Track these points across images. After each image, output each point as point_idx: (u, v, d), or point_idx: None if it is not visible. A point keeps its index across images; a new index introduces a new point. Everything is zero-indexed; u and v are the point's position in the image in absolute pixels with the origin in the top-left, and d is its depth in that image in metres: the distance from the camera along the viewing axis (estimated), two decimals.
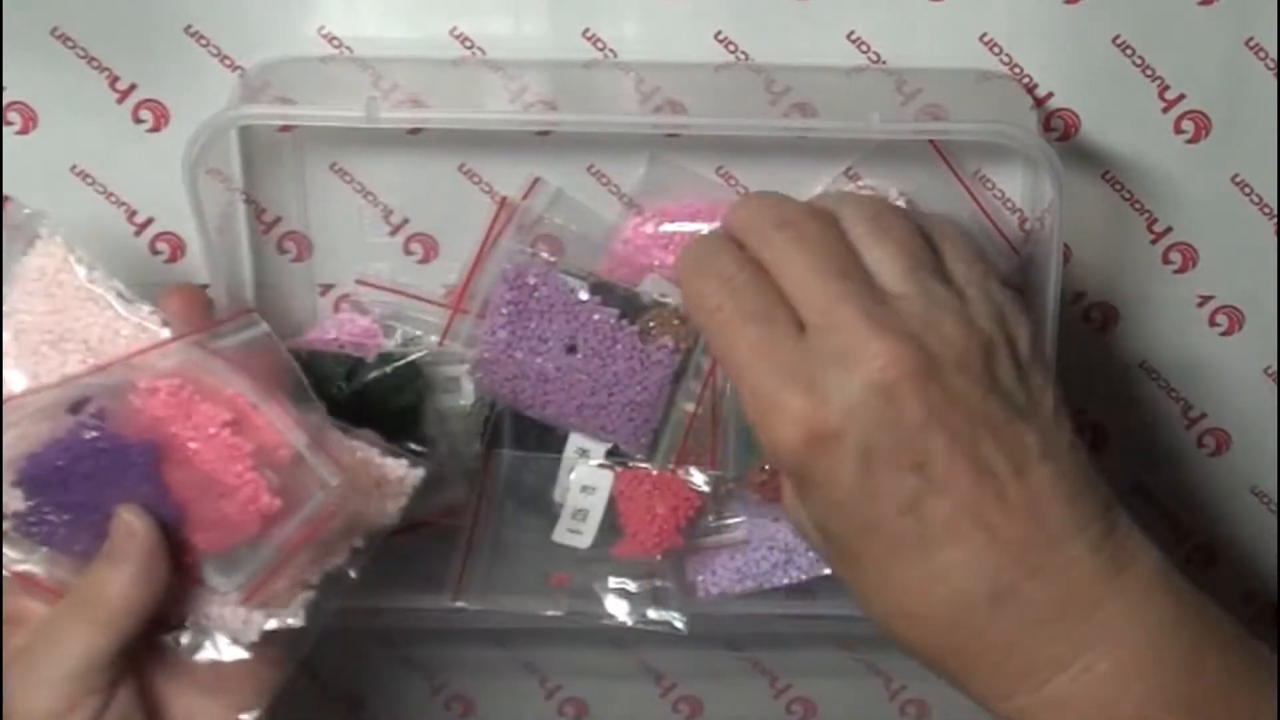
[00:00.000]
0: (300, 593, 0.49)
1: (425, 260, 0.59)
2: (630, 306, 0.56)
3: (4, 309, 0.48)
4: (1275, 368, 0.61)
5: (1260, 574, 0.65)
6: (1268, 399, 0.62)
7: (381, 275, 0.58)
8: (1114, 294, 0.60)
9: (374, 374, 0.55)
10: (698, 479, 0.58)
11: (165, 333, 0.48)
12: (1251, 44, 0.56)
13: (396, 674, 0.67)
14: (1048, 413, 0.44)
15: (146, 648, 0.48)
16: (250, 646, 0.49)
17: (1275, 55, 0.56)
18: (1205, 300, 0.60)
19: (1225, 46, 0.56)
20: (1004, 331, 0.44)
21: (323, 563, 0.49)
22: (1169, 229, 0.59)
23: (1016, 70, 0.56)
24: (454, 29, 0.55)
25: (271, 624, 0.49)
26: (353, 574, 0.49)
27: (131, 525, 0.46)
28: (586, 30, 0.55)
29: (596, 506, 0.58)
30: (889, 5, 0.55)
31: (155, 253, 0.58)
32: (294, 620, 0.49)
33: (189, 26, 0.55)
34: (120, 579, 0.45)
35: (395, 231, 0.58)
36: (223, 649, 0.49)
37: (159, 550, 0.46)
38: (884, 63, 0.56)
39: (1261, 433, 0.62)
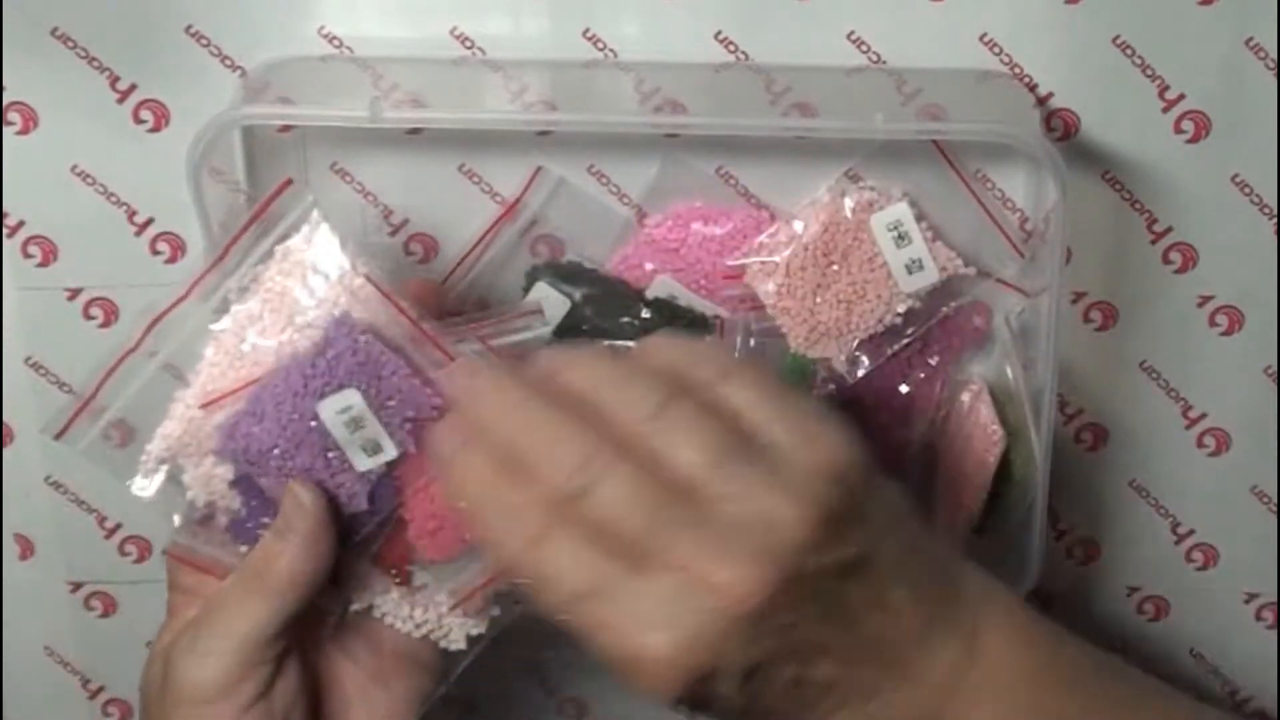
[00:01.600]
0: (489, 605, 0.51)
1: (425, 260, 0.59)
2: (619, 308, 0.56)
3: (262, 284, 0.48)
4: (1275, 368, 0.61)
5: (1260, 574, 0.65)
6: (1268, 399, 0.62)
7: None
8: (1114, 294, 0.60)
9: None
10: None
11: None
12: (1251, 44, 0.56)
13: None
14: (885, 511, 0.42)
15: (318, 628, 0.50)
16: (457, 652, 0.51)
17: (1275, 55, 0.56)
18: (1205, 300, 0.60)
19: (1225, 46, 0.56)
20: (820, 455, 0.41)
21: None
22: (1169, 229, 0.59)
23: (1016, 70, 0.56)
24: (454, 29, 0.55)
25: (471, 630, 0.51)
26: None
27: (300, 497, 0.47)
28: (586, 30, 0.55)
29: None
30: (889, 5, 0.55)
31: (156, 253, 0.58)
32: (479, 630, 0.51)
33: (189, 26, 0.55)
34: (288, 551, 0.46)
35: (395, 231, 0.58)
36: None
37: (326, 522, 0.47)
38: (884, 63, 0.56)
39: (1261, 433, 0.62)
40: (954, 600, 0.43)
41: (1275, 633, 0.66)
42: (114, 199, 0.57)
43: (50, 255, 0.58)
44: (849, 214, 0.56)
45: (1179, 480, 0.63)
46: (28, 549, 0.64)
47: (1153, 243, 0.59)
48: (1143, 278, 0.60)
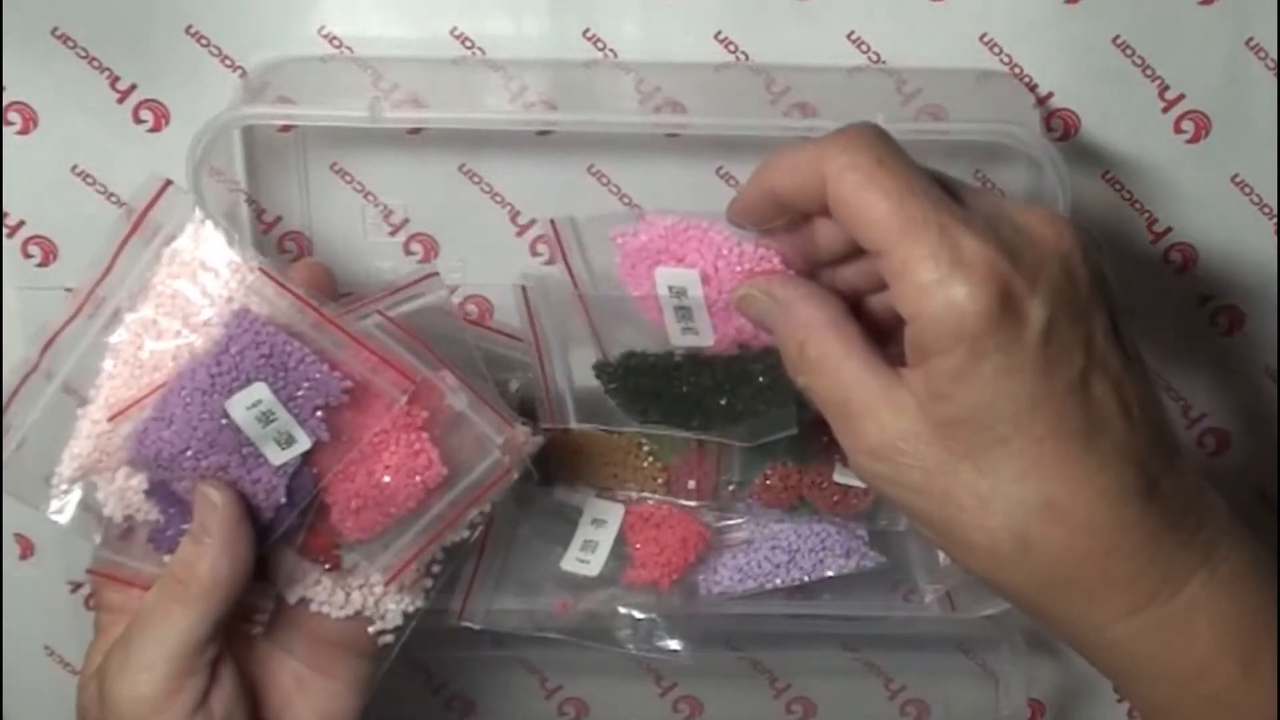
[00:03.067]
0: (422, 578, 0.51)
1: (425, 260, 0.59)
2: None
3: (153, 289, 0.48)
4: (1275, 368, 0.61)
5: None
6: (1268, 399, 0.62)
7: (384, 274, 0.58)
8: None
9: None
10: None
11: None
12: (1251, 44, 0.56)
13: (397, 674, 0.67)
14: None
15: (249, 627, 0.49)
16: (395, 631, 0.51)
17: (1275, 55, 0.56)
18: (1205, 300, 0.60)
19: (1225, 46, 0.56)
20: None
21: (444, 538, 0.49)
22: (1169, 229, 0.59)
23: (1016, 70, 0.56)
24: (454, 29, 0.55)
25: (407, 607, 0.51)
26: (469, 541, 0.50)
27: (211, 498, 0.46)
28: (586, 30, 0.55)
29: (605, 539, 0.58)
30: (889, 5, 0.55)
31: None
32: (415, 605, 0.51)
33: (189, 26, 0.55)
34: (207, 555, 0.46)
35: (395, 231, 0.58)
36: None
37: (240, 520, 0.46)
38: (884, 63, 0.56)
39: (1261, 433, 0.62)
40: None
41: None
42: (114, 199, 0.57)
43: (50, 255, 0.58)
44: None
45: None
46: (28, 549, 0.64)
47: (1153, 243, 0.59)
48: (1143, 278, 0.60)
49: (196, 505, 0.47)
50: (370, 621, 0.51)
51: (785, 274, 0.46)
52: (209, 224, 0.48)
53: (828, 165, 0.41)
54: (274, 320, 0.47)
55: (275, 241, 0.58)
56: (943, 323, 0.39)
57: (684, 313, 0.48)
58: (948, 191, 0.41)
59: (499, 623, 0.58)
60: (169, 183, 0.48)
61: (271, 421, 0.47)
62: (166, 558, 0.48)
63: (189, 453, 0.47)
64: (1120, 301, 0.42)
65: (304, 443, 0.47)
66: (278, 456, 0.47)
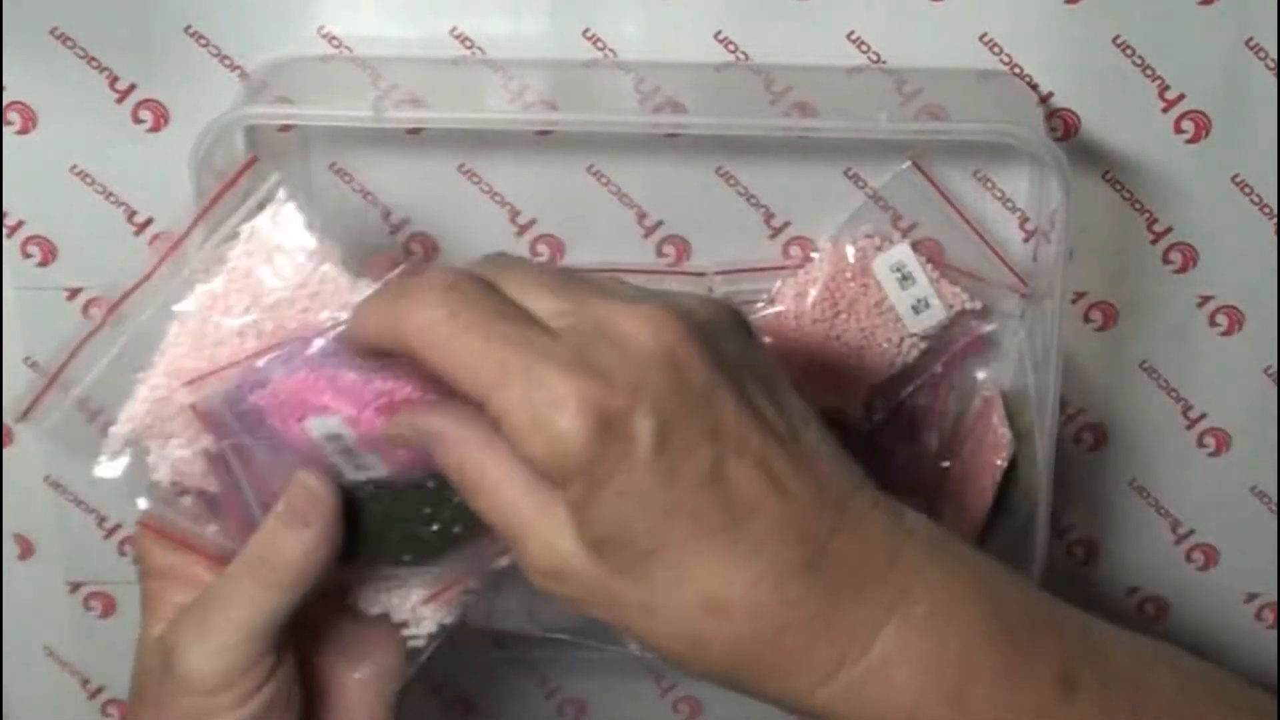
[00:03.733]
0: (464, 594, 0.50)
1: (425, 260, 0.59)
2: None
3: (227, 264, 0.47)
4: (1275, 368, 0.61)
5: (1260, 574, 0.65)
6: (1268, 399, 0.62)
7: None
8: (1114, 294, 0.60)
9: None
10: None
11: None
12: (1251, 44, 0.56)
13: None
14: (788, 383, 0.42)
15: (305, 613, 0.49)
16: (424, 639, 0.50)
17: (1275, 55, 0.56)
18: (1205, 300, 0.60)
19: (1225, 46, 0.56)
20: (733, 309, 0.42)
21: (495, 563, 0.49)
22: (1169, 229, 0.59)
23: (1016, 70, 0.56)
24: (454, 29, 0.55)
25: (443, 618, 0.50)
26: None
27: (315, 489, 0.46)
28: (586, 30, 0.55)
29: None
30: (889, 5, 0.55)
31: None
32: (451, 620, 0.50)
33: (189, 26, 0.55)
34: (302, 541, 0.45)
35: (395, 231, 0.58)
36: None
37: (340, 515, 0.46)
38: (884, 63, 0.56)
39: (1261, 433, 0.62)
40: (867, 480, 0.41)
41: (1275, 633, 0.66)
42: (114, 199, 0.57)
43: (50, 255, 0.58)
44: (851, 260, 0.56)
45: (1179, 480, 0.63)
46: (28, 549, 0.64)
47: (1153, 243, 0.59)
48: (1143, 278, 0.60)
49: (294, 492, 0.46)
50: (403, 625, 0.51)
51: (425, 402, 0.44)
52: (290, 206, 0.48)
53: (403, 328, 0.40)
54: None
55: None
56: (551, 462, 0.38)
57: (348, 454, 0.47)
58: (546, 312, 0.40)
59: (499, 622, 0.58)
60: (254, 159, 0.48)
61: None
62: (212, 527, 0.48)
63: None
64: (766, 365, 0.41)
65: (378, 471, 0.47)
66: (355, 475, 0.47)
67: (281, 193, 0.48)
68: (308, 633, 0.50)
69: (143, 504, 0.49)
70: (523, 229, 0.58)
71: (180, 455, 0.48)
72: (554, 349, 0.38)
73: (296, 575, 0.46)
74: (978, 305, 0.57)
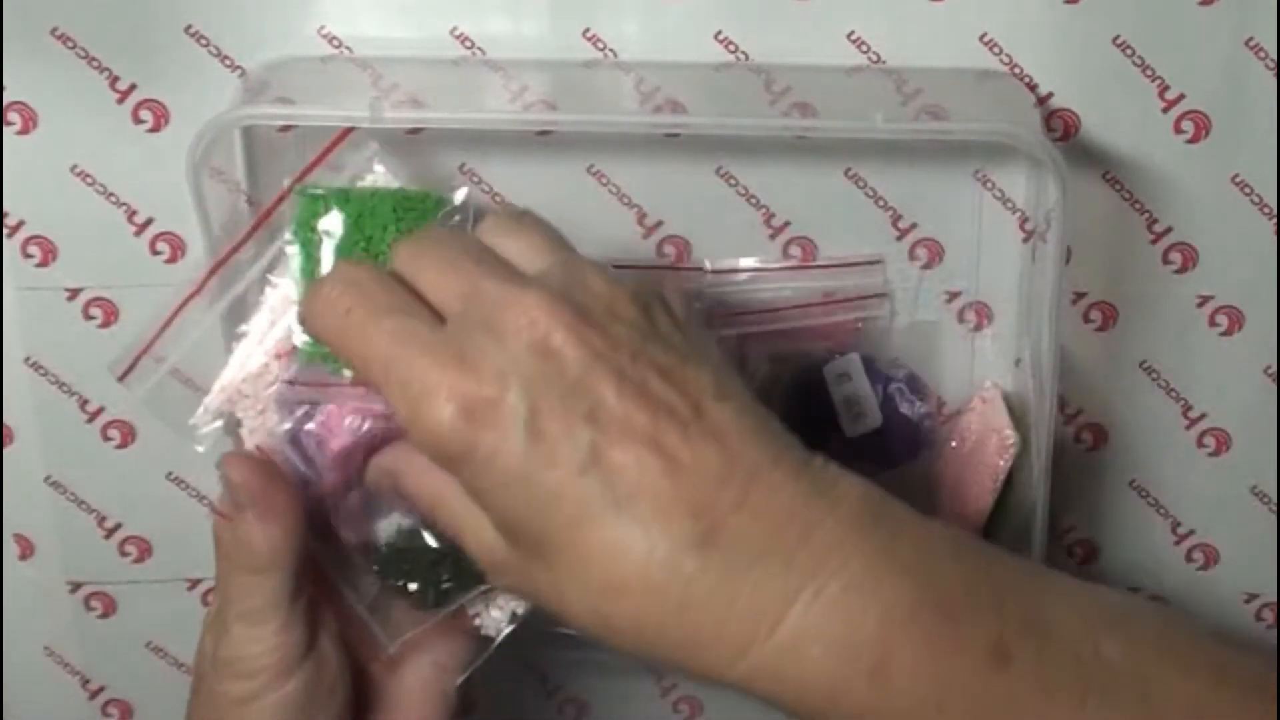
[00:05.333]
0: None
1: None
2: None
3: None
4: (1275, 368, 0.61)
5: (1260, 574, 0.65)
6: (1268, 399, 0.62)
7: None
8: (1114, 294, 0.60)
9: None
10: None
11: None
12: (1251, 44, 0.56)
13: None
14: (716, 361, 0.42)
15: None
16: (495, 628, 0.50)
17: (1275, 55, 0.56)
18: (1205, 300, 0.60)
19: (1225, 46, 0.56)
20: (654, 292, 0.43)
21: None
22: (1169, 229, 0.59)
23: (1016, 70, 0.56)
24: (454, 29, 0.55)
25: (516, 607, 0.50)
26: None
27: (233, 472, 0.46)
28: (586, 30, 0.55)
29: None
30: (889, 5, 0.55)
31: (155, 253, 0.58)
32: (523, 610, 0.50)
33: (189, 26, 0.55)
34: (243, 526, 0.46)
35: None
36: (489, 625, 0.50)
37: (276, 482, 0.47)
38: (884, 63, 0.56)
39: (1261, 433, 0.62)
40: (797, 451, 0.41)
41: (1275, 633, 0.66)
42: (114, 199, 0.57)
43: (50, 255, 0.58)
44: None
45: (1179, 480, 0.63)
46: (28, 549, 0.64)
47: (1153, 243, 0.59)
48: (1143, 278, 0.60)
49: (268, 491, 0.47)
50: (475, 615, 0.51)
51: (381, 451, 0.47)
52: (382, 169, 0.48)
53: (315, 326, 0.43)
54: None
55: None
56: (433, 453, 0.40)
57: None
58: (446, 296, 0.42)
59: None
60: (350, 129, 0.48)
61: None
62: None
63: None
64: (681, 341, 0.41)
65: None
66: None
67: (378, 166, 0.47)
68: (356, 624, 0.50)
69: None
70: None
71: (272, 425, 0.48)
72: (432, 342, 0.40)
73: (259, 555, 0.46)
74: None
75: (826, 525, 0.39)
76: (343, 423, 0.46)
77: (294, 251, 0.47)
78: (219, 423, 0.49)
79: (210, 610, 0.49)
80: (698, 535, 0.39)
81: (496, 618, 0.51)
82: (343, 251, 0.47)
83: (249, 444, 0.48)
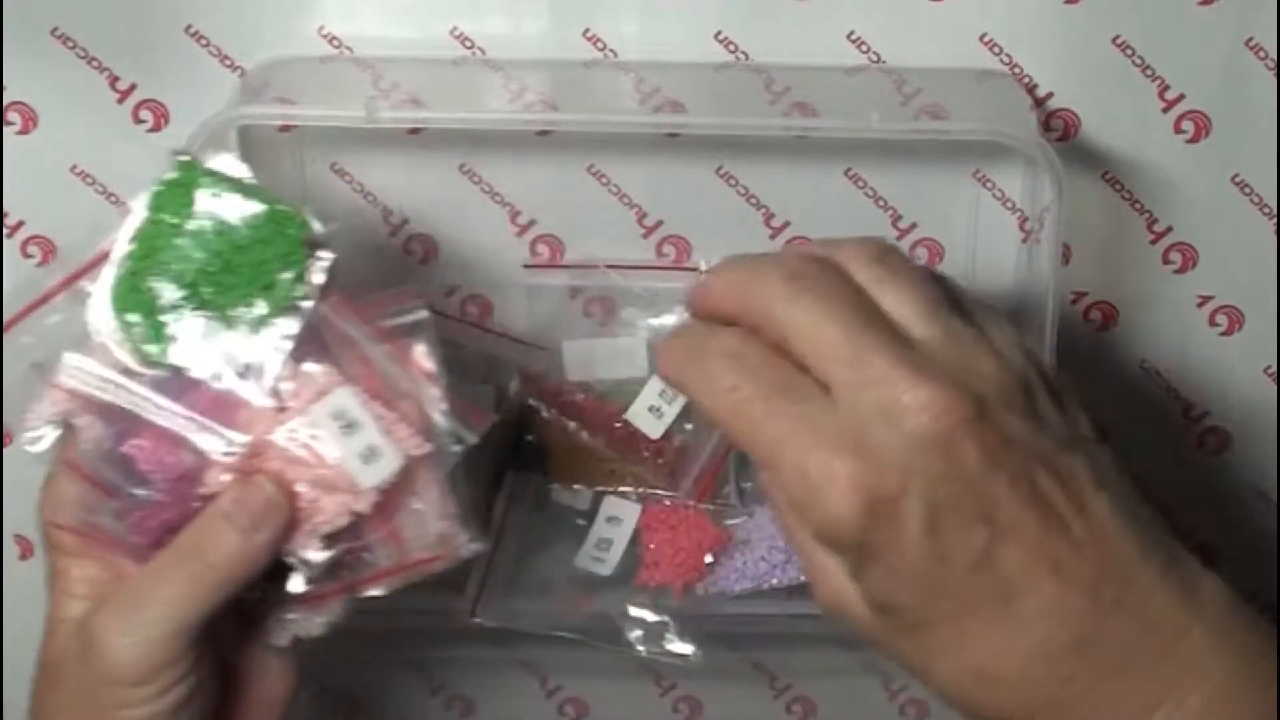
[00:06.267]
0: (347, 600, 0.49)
1: (425, 260, 0.59)
2: None
3: None
4: (1275, 368, 0.61)
5: (1260, 574, 0.65)
6: (1268, 399, 0.62)
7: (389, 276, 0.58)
8: (1114, 294, 0.60)
9: None
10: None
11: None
12: (1251, 44, 0.56)
13: (396, 674, 0.67)
14: (1090, 438, 0.42)
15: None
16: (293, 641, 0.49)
17: (1275, 55, 0.56)
18: (1205, 300, 0.60)
19: (1225, 46, 0.56)
20: (1032, 363, 0.42)
21: (365, 590, 0.49)
22: (1169, 229, 0.59)
23: (1016, 70, 0.56)
24: (454, 29, 0.55)
25: (320, 626, 0.49)
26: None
27: (272, 496, 0.46)
28: (586, 30, 0.55)
29: (621, 537, 0.58)
30: (889, 5, 0.55)
31: None
32: (332, 619, 0.50)
33: (189, 26, 0.55)
34: (242, 544, 0.45)
35: (395, 232, 0.58)
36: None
37: (290, 521, 0.46)
38: (884, 63, 0.56)
39: (1261, 433, 0.63)
40: (1166, 542, 0.41)
41: (1276, 632, 0.66)
42: (113, 199, 0.57)
43: (50, 255, 0.58)
44: None
45: (1179, 480, 0.63)
46: (28, 549, 0.64)
47: (1153, 243, 0.59)
48: (1143, 278, 0.60)
49: (248, 495, 0.46)
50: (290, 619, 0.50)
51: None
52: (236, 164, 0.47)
53: (702, 403, 0.42)
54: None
55: None
56: (824, 536, 0.40)
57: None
58: (833, 363, 0.40)
59: (512, 621, 0.58)
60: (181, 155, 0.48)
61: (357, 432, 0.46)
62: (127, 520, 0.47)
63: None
64: (1062, 431, 0.41)
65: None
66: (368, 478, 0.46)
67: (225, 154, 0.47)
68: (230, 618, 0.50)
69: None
70: (523, 229, 0.58)
71: (99, 435, 0.47)
72: (826, 426, 0.39)
73: (232, 576, 0.46)
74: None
75: (1193, 632, 0.40)
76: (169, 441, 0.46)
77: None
78: (53, 428, 0.48)
79: (68, 606, 0.48)
80: (1078, 639, 0.39)
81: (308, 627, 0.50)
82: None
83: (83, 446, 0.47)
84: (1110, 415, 0.62)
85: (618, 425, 0.58)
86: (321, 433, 0.45)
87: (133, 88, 0.56)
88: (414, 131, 0.56)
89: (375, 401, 0.46)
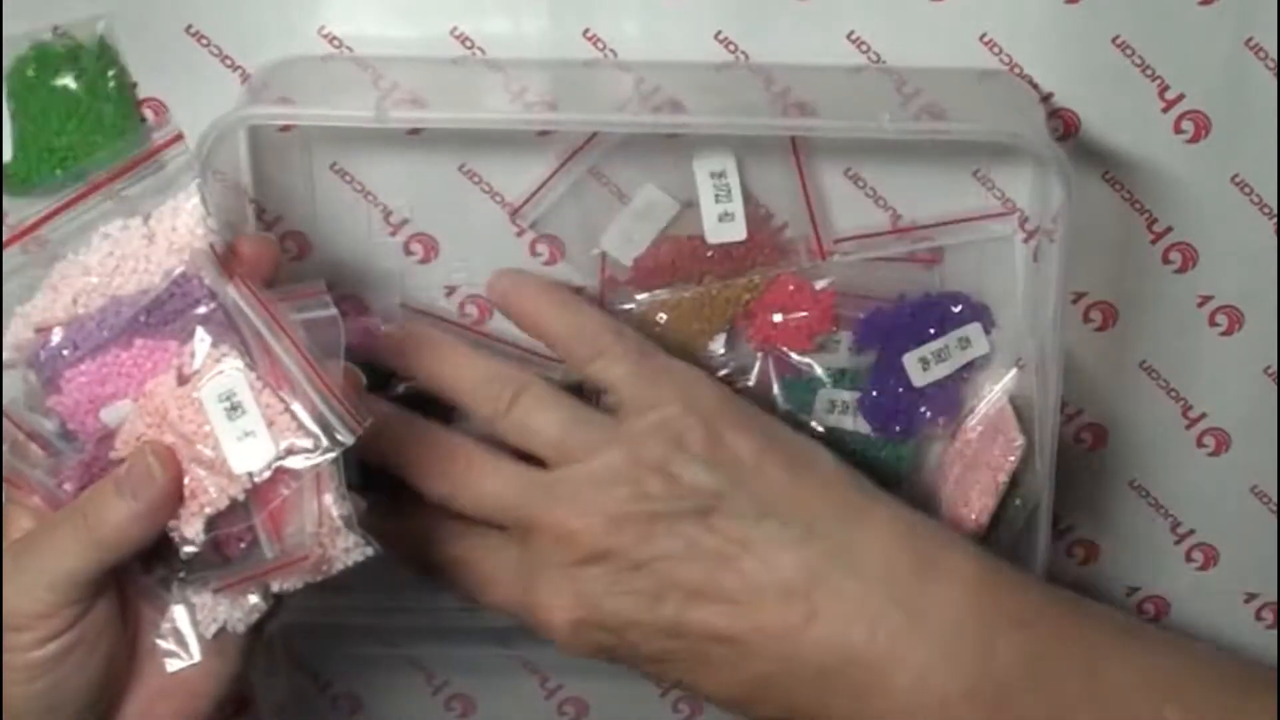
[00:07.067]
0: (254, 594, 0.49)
1: (425, 260, 0.59)
2: None
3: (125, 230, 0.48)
4: (1275, 368, 0.61)
5: (1260, 574, 0.65)
6: (1268, 399, 0.62)
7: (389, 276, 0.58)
8: (1114, 294, 0.60)
9: None
10: None
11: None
12: (1251, 44, 0.56)
13: (396, 674, 0.67)
14: (748, 463, 0.50)
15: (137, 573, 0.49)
16: (203, 641, 0.49)
17: (1275, 55, 0.56)
18: (1205, 300, 0.60)
19: (1225, 46, 0.56)
20: (671, 439, 0.51)
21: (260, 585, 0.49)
22: (1169, 229, 0.59)
23: (1016, 70, 0.56)
24: (454, 29, 0.56)
25: (240, 622, 0.49)
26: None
27: (153, 468, 0.46)
28: (586, 30, 0.55)
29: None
30: (889, 5, 0.55)
31: None
32: (253, 616, 0.49)
33: (190, 26, 0.55)
34: (126, 510, 0.46)
35: (395, 231, 0.58)
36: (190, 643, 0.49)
37: (174, 498, 0.46)
38: (884, 63, 0.56)
39: (1261, 433, 0.62)
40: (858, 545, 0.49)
41: (1275, 633, 0.66)
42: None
43: None
44: None
45: (1179, 480, 0.63)
46: None
47: (1153, 243, 0.59)
48: (1143, 278, 0.60)
49: (134, 462, 0.46)
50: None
51: None
52: (196, 200, 0.47)
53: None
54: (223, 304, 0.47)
55: (276, 241, 0.58)
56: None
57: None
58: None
59: (502, 621, 0.57)
60: (180, 136, 0.48)
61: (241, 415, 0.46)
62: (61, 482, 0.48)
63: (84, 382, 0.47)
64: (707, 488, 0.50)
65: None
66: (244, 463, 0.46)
67: (194, 185, 0.47)
68: (147, 593, 0.50)
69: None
70: (523, 229, 0.58)
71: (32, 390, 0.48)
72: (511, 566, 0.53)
73: (112, 540, 0.46)
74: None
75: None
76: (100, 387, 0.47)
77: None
78: None
79: None
80: (779, 666, 0.50)
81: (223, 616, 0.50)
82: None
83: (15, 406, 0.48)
84: (1110, 415, 0.62)
85: (709, 254, 0.57)
86: (211, 412, 0.46)
87: (133, 88, 0.56)
88: (414, 131, 0.56)
89: (266, 390, 0.46)
